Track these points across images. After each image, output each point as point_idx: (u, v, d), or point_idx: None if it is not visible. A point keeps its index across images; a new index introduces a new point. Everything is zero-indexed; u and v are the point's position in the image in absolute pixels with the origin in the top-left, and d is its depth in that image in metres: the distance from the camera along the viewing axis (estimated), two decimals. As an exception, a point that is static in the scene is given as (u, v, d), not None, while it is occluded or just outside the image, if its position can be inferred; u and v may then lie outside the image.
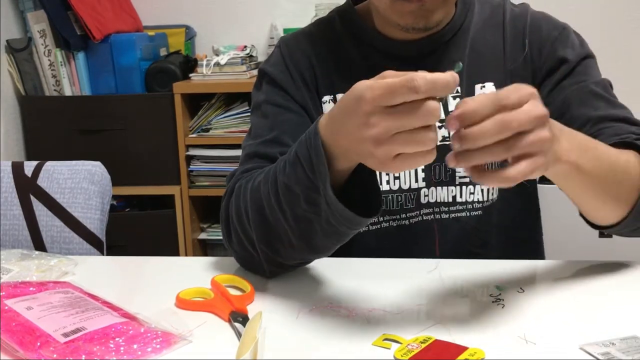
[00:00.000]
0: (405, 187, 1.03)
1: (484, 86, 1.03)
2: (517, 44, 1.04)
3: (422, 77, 0.65)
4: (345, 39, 1.07)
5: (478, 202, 1.03)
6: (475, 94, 1.01)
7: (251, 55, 2.46)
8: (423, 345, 0.71)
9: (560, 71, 1.02)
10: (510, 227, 1.06)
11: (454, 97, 1.02)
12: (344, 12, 1.09)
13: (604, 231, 0.90)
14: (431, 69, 0.97)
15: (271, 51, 1.15)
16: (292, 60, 1.06)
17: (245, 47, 2.48)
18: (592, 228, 0.92)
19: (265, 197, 0.84)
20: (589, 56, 1.04)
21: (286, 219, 0.82)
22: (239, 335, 0.75)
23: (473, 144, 0.66)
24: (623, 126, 0.94)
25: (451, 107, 1.00)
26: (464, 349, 0.70)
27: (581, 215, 0.92)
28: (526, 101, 0.67)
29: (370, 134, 0.68)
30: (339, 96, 1.04)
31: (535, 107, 0.68)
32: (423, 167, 1.02)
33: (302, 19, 2.48)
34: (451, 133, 0.68)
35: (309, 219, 0.81)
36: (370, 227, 1.04)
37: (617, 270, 0.93)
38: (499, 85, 1.02)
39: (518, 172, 0.68)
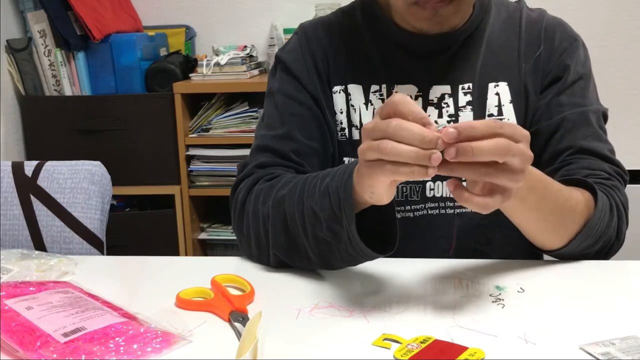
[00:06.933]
0: None
1: (497, 85, 1.04)
2: (532, 47, 1.06)
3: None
4: (364, 30, 1.08)
5: None
6: (488, 93, 1.04)
7: (251, 55, 2.46)
8: (423, 345, 0.71)
9: (561, 82, 1.05)
10: (513, 225, 1.06)
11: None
12: (366, 3, 1.10)
13: (544, 253, 0.98)
14: (445, 65, 1.04)
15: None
16: (308, 48, 1.08)
17: (245, 47, 2.48)
18: (535, 250, 0.98)
19: (290, 213, 0.90)
20: (587, 76, 1.07)
21: (307, 237, 0.89)
22: (239, 335, 0.75)
23: (470, 157, 0.69)
24: (598, 162, 1.00)
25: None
26: (464, 349, 0.70)
27: None
28: (519, 140, 0.72)
29: (363, 129, 0.75)
30: (351, 87, 1.06)
31: (527, 149, 0.73)
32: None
33: (302, 19, 2.46)
34: (439, 143, 0.70)
35: (329, 243, 0.87)
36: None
37: (617, 270, 0.93)
38: (512, 85, 1.04)
39: (495, 203, 0.74)
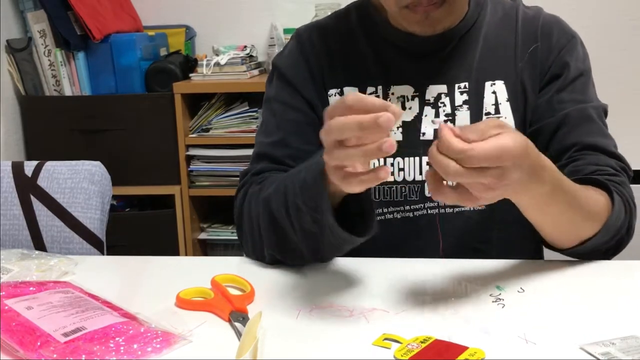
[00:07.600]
0: (409, 178, 1.05)
1: (494, 83, 1.04)
2: (529, 45, 1.06)
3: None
4: (359, 32, 1.09)
5: None
6: (485, 92, 1.04)
7: (251, 55, 2.46)
8: (423, 345, 0.71)
9: (561, 79, 1.05)
10: (512, 224, 1.06)
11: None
12: (361, 5, 1.11)
13: (557, 252, 0.97)
14: (441, 64, 1.06)
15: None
16: (303, 53, 1.09)
17: (245, 47, 2.48)
18: (547, 248, 0.98)
19: (276, 210, 0.92)
20: (587, 72, 1.07)
21: (294, 231, 0.90)
22: (239, 335, 0.75)
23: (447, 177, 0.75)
24: (604, 158, 1.01)
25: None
26: (464, 349, 0.70)
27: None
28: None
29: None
30: (347, 90, 1.07)
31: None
32: (428, 159, 1.04)
33: (302, 19, 2.46)
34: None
35: (315, 234, 0.88)
36: None
37: (618, 270, 0.93)
38: (509, 84, 1.04)
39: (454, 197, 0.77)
